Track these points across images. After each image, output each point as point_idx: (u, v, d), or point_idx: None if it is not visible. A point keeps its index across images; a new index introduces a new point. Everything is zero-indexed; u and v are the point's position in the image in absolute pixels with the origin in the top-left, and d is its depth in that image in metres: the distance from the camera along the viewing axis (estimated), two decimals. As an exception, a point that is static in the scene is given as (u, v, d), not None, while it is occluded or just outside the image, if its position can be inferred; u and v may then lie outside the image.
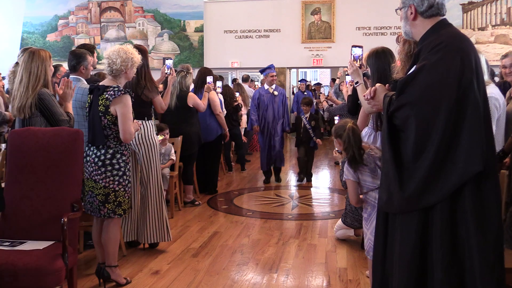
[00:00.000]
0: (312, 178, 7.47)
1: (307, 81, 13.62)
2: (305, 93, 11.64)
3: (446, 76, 2.02)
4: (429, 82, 2.04)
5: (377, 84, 2.38)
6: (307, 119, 7.14)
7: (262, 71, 7.36)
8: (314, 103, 9.45)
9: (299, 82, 13.19)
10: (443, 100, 2.01)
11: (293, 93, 14.29)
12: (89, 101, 3.42)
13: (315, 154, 7.64)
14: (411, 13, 2.22)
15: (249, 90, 9.83)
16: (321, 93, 9.19)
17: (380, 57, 3.15)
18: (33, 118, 3.44)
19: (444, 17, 2.23)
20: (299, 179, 7.40)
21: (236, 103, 7.73)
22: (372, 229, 2.93)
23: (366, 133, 3.20)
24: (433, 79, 2.04)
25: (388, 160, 2.17)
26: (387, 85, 2.39)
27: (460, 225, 2.04)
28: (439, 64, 2.05)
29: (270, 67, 7.27)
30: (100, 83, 3.43)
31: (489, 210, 2.05)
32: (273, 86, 7.29)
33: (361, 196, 3.05)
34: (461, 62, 2.03)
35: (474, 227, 2.02)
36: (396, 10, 2.32)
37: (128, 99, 3.33)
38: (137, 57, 3.46)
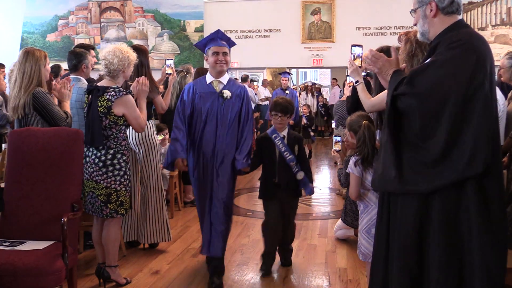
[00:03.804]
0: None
1: (290, 73, 9.86)
2: (287, 92, 8.32)
3: (458, 73, 2.01)
4: (439, 76, 2.02)
5: (393, 57, 2.31)
6: (284, 140, 3.63)
7: (202, 45, 3.58)
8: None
9: (280, 76, 9.04)
10: (450, 96, 1.99)
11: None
12: (86, 102, 3.40)
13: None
14: (431, 10, 2.19)
15: (249, 90, 9.78)
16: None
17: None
18: (30, 118, 3.44)
19: (461, 17, 2.22)
20: (263, 269, 3.72)
21: None
22: (362, 226, 3.03)
23: None
24: (444, 74, 2.02)
25: (387, 141, 2.17)
26: (403, 65, 2.35)
27: (462, 222, 2.03)
28: (453, 60, 2.04)
29: (215, 37, 3.50)
30: (99, 84, 3.42)
31: (493, 209, 2.03)
32: (224, 79, 3.51)
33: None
34: (476, 62, 2.02)
35: (477, 226, 2.00)
36: (410, 12, 2.28)
37: (131, 98, 3.35)
38: (133, 56, 3.46)
